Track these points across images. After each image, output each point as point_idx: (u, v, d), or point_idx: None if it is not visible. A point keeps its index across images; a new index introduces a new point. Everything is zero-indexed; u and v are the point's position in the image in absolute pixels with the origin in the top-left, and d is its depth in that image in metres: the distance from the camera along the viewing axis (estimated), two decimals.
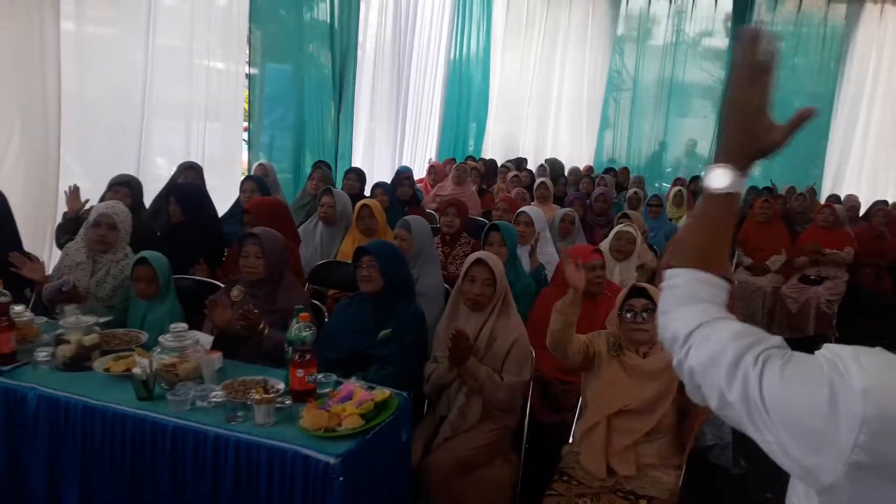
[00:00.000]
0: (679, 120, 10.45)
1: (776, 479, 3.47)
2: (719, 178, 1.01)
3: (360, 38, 6.99)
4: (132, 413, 2.18)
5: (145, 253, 2.99)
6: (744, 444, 3.62)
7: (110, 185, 3.93)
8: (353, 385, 2.29)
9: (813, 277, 5.71)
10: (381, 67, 7.50)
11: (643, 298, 2.54)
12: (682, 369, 0.96)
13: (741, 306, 5.64)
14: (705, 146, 10.36)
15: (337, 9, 6.57)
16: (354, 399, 2.21)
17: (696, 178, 8.92)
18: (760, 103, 0.98)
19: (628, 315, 2.55)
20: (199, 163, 4.96)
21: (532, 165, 9.14)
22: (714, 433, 3.37)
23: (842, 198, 7.70)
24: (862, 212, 7.34)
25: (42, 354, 2.40)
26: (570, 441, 2.72)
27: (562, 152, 10.05)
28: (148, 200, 4.43)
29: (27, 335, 2.54)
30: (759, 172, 9.92)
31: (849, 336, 5.72)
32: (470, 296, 2.79)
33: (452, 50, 8.98)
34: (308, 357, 2.29)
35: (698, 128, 10.40)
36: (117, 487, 2.20)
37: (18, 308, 2.61)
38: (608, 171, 8.70)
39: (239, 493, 2.07)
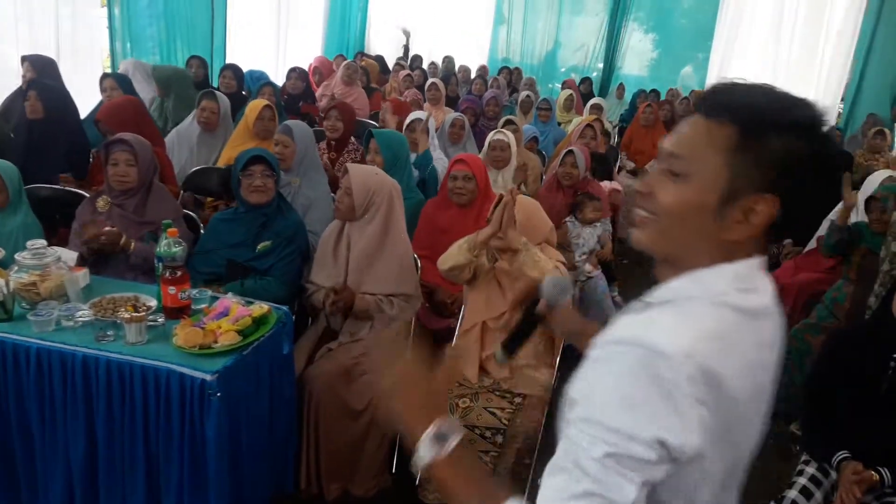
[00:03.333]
0: (572, 19, 10.44)
1: None
2: (430, 449, 0.95)
3: None
4: None
5: None
6: None
7: None
8: (230, 301, 2.24)
9: None
10: None
11: None
12: None
13: (623, 210, 5.89)
14: (598, 46, 10.43)
15: None
16: (231, 315, 2.17)
17: (586, 79, 9.03)
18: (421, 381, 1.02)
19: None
20: (53, 52, 4.48)
21: (425, 62, 8.94)
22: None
23: None
24: None
25: None
26: (452, 344, 2.81)
27: (454, 49, 9.86)
28: None
29: None
30: (646, 75, 10.17)
31: None
32: (340, 206, 2.77)
33: None
34: (179, 273, 2.21)
35: (591, 27, 10.43)
36: None
37: None
38: (502, 70, 8.63)
39: (113, 414, 2.02)
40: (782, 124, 0.84)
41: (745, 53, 9.66)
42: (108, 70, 5.10)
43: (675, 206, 0.90)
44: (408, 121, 4.35)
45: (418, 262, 3.00)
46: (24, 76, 4.07)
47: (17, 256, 2.26)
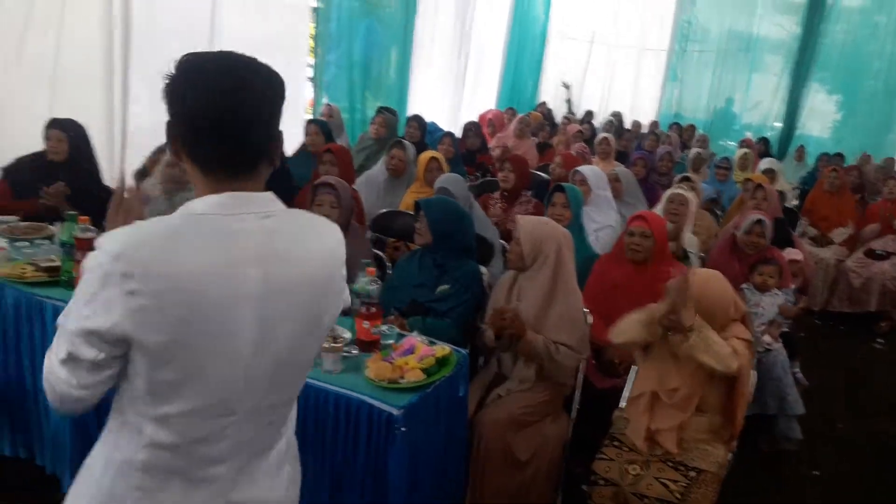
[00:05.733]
0: (749, 76, 10.05)
1: (826, 456, 3.53)
2: None
3: None
4: None
5: None
6: (799, 420, 3.63)
7: None
8: (415, 339, 2.36)
9: (879, 252, 5.54)
10: (445, 9, 7.40)
11: None
12: None
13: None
14: (775, 105, 9.99)
15: None
16: (416, 353, 2.28)
17: (762, 139, 8.64)
18: None
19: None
20: None
21: (596, 117, 9.02)
22: (775, 404, 3.37)
23: None
24: None
25: None
26: (621, 406, 2.76)
27: (623, 104, 9.82)
28: None
29: None
30: (828, 137, 9.56)
31: None
32: (510, 255, 2.83)
33: None
34: (373, 310, 2.37)
35: (769, 86, 9.99)
36: None
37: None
38: (674, 126, 8.48)
39: (307, 434, 2.16)
40: (176, 79, 1.11)
41: None
42: (310, 115, 5.64)
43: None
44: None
45: (588, 316, 2.99)
46: None
47: None
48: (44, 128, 3.38)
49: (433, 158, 4.14)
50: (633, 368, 2.80)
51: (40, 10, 3.88)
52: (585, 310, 2.96)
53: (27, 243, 2.84)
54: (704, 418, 2.53)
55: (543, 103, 9.02)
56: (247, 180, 1.16)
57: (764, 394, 3.29)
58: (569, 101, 9.83)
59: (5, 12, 3.84)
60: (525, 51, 9.36)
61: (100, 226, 2.94)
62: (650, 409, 2.56)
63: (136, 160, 4.10)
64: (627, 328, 2.57)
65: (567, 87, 9.83)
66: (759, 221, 3.77)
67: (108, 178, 3.79)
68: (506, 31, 8.68)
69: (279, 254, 1.16)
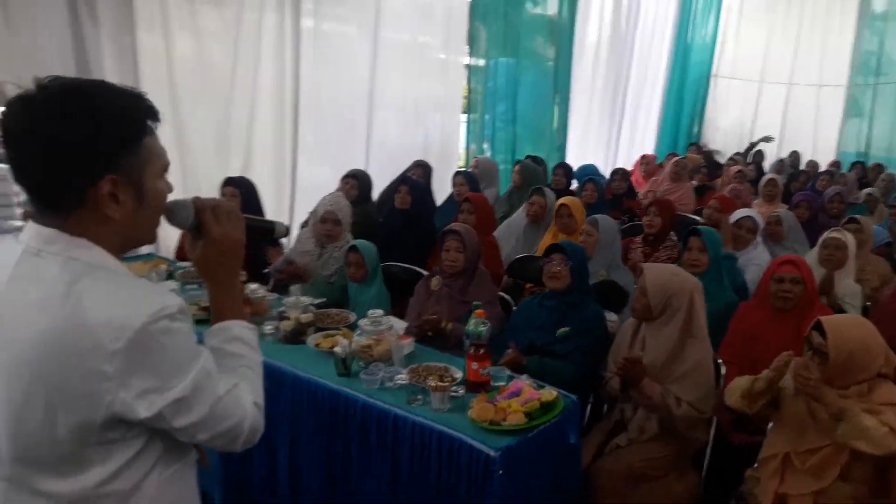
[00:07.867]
0: None
1: None
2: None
3: (580, 33, 7.08)
4: (330, 387, 2.49)
5: (357, 242, 3.36)
6: None
7: (343, 177, 4.51)
8: (523, 383, 2.39)
9: None
10: (600, 60, 7.47)
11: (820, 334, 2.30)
12: None
13: None
14: None
15: (558, 2, 6.69)
16: (521, 397, 2.31)
17: None
18: None
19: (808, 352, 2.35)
20: (421, 152, 5.38)
21: (769, 155, 8.48)
22: None
23: None
24: None
25: (268, 328, 2.83)
26: (755, 465, 2.57)
27: (802, 144, 9.11)
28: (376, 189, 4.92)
29: (259, 310, 2.96)
30: None
31: None
32: (636, 305, 2.75)
33: (677, 41, 8.64)
34: (482, 351, 2.43)
35: None
36: (317, 449, 2.54)
37: (253, 286, 3.07)
38: (855, 165, 7.74)
39: (413, 471, 2.28)
40: None
41: None
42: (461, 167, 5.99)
43: None
44: (734, 218, 4.21)
45: (722, 369, 2.84)
46: (411, 174, 4.98)
47: (359, 322, 2.74)
48: (220, 185, 3.87)
49: (563, 205, 4.18)
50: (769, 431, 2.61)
51: (239, 92, 4.46)
52: (719, 360, 2.82)
53: (196, 286, 3.29)
54: (848, 487, 2.27)
55: (693, 145, 8.64)
56: (47, 223, 1.04)
57: None
58: (752, 144, 9.30)
59: (211, 93, 4.42)
60: (686, 93, 9.11)
61: (254, 272, 3.33)
62: (780, 472, 2.36)
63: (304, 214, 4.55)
64: (733, 392, 2.42)
65: (768, 140, 9.20)
66: None
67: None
68: (665, 75, 8.52)
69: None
